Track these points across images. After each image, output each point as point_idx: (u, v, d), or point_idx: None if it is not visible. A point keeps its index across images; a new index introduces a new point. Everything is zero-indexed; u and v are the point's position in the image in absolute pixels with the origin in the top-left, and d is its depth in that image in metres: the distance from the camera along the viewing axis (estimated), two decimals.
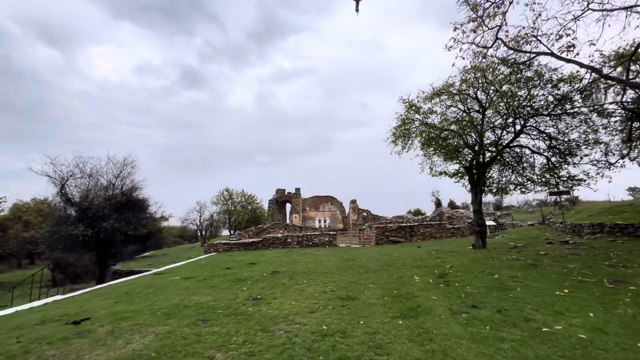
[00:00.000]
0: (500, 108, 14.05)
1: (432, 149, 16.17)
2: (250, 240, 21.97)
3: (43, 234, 20.25)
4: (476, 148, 14.65)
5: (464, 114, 15.41)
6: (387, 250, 16.35)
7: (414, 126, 16.64)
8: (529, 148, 14.20)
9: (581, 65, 10.41)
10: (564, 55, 10.51)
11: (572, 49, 10.13)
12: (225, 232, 48.96)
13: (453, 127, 15.47)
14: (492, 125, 14.63)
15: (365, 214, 44.25)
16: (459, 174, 15.61)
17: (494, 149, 14.24)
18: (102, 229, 19.40)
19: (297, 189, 45.04)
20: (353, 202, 44.38)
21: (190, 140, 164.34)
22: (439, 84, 15.50)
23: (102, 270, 20.29)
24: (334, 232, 22.62)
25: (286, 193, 48.32)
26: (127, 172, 23.02)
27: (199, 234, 49.62)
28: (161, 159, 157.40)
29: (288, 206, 49.75)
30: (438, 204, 52.85)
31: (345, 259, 12.57)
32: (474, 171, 14.84)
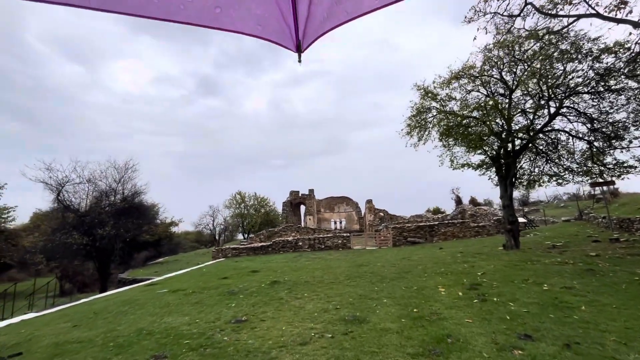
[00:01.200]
0: (531, 88, 12.21)
1: (452, 139, 14.51)
2: (260, 244, 20.76)
3: (37, 243, 19.81)
4: (503, 135, 12.87)
5: (487, 98, 13.66)
6: (406, 252, 14.69)
7: (430, 115, 15.04)
8: (567, 132, 12.26)
9: (636, 24, 8.53)
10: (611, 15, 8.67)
11: (622, 6, 8.30)
12: (241, 236, 48.20)
13: (475, 113, 13.75)
14: (521, 108, 12.78)
15: (382, 214, 42.44)
16: (485, 166, 13.81)
17: (525, 135, 12.39)
18: (97, 237, 18.79)
19: (311, 190, 43.70)
20: (369, 202, 42.66)
21: (208, 146, 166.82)
22: (457, 66, 13.83)
23: (103, 279, 19.49)
24: (348, 234, 21.11)
25: (300, 195, 47.11)
26: (128, 177, 22.31)
27: (215, 238, 49.18)
28: (181, 166, 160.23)
29: (303, 208, 48.51)
30: (458, 201, 50.28)
31: (357, 265, 11.06)
32: (502, 161, 13.02)
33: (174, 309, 6.50)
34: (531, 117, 12.34)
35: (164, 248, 35.58)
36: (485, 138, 12.83)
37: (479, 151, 13.70)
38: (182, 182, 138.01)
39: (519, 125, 12.85)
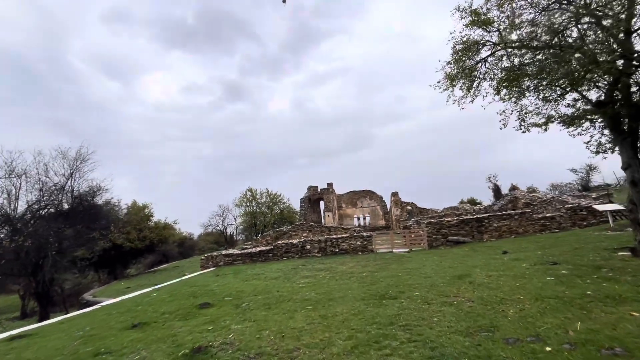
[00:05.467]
0: None
1: (515, 86, 9.32)
2: (259, 249, 16.23)
3: None
4: (620, 64, 7.39)
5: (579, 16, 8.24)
6: (454, 261, 9.51)
7: (482, 53, 9.93)
8: None
9: None
10: None
11: None
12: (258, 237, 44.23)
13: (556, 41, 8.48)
14: None
15: (409, 207, 36.92)
16: (586, 118, 8.33)
17: None
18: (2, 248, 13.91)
19: (329, 184, 38.74)
20: (394, 194, 37.22)
21: (235, 149, 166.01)
22: None
23: (42, 305, 15.22)
24: (369, 234, 16.09)
25: (319, 190, 42.42)
26: (77, 169, 17.52)
27: (234, 239, 45.77)
28: (210, 169, 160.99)
29: (323, 205, 43.82)
30: (497, 190, 43.58)
31: (378, 294, 6.08)
32: (617, 106, 7.53)
33: None
34: None
35: (174, 252, 32.06)
36: (591, 67, 7.33)
37: (574, 96, 8.32)
38: (211, 183, 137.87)
39: None
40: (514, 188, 43.80)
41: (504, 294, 5.01)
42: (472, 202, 42.49)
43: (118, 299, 9.46)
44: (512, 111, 9.40)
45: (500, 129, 9.54)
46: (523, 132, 9.36)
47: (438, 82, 10.43)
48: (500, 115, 9.56)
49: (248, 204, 34.73)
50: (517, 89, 9.31)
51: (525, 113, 9.32)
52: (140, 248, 22.21)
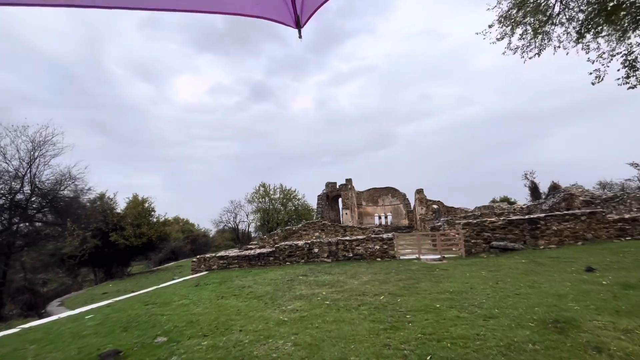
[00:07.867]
0: None
1: (615, 18, 6.06)
2: (258, 252, 13.59)
3: None
4: None
5: None
6: (514, 281, 6.35)
7: None
8: None
9: None
10: None
11: None
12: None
13: None
14: None
15: (435, 205, 33.18)
16: None
17: None
18: None
19: (348, 180, 35.59)
20: (419, 192, 33.62)
21: (261, 148, 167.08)
22: None
23: None
24: (390, 236, 12.98)
25: (337, 187, 39.46)
26: (42, 155, 15.22)
27: (250, 236, 43.76)
28: (235, 168, 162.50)
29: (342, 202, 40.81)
30: (534, 188, 38.69)
31: None
32: None
33: None
34: None
35: (185, 249, 30.27)
36: None
37: None
38: (236, 181, 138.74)
39: None
40: (554, 186, 38.57)
41: None
42: (507, 200, 37.91)
43: (51, 319, 7.08)
44: (614, 56, 6.10)
45: (593, 83, 6.25)
46: (630, 87, 6.03)
47: (490, 27, 7.23)
48: (593, 63, 6.27)
49: (261, 199, 32.39)
50: (619, 22, 6.01)
51: (633, 58, 6.00)
52: (138, 246, 20.30)
